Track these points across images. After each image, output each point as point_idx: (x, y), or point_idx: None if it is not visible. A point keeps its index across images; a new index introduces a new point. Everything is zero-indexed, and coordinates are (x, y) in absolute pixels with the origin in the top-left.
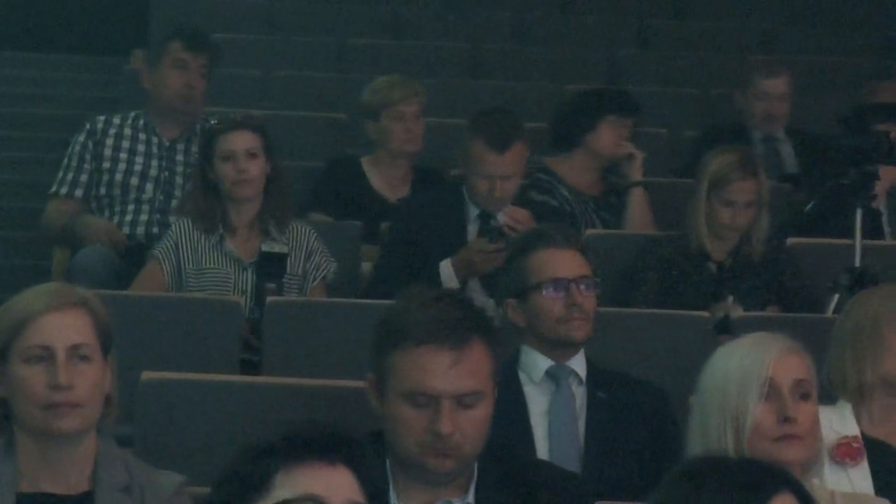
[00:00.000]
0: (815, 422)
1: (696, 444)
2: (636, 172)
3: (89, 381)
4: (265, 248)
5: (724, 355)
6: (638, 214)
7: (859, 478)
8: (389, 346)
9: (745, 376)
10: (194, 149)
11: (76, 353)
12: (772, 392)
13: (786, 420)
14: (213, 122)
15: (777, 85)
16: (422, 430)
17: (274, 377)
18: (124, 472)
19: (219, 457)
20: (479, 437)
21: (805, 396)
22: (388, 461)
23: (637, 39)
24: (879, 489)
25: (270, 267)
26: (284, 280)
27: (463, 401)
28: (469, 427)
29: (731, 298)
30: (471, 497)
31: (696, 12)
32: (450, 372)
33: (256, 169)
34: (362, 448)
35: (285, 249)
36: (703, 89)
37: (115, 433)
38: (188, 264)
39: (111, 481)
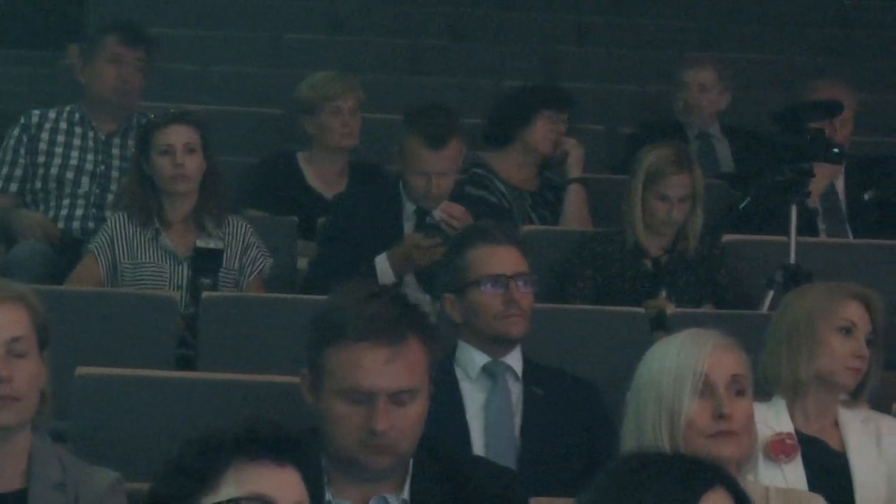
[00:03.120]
0: (750, 418)
1: (630, 440)
2: (574, 168)
3: (26, 376)
4: (199, 243)
5: (659, 351)
6: (575, 210)
7: (793, 474)
8: (325, 343)
9: (679, 372)
10: (130, 143)
11: (13, 348)
12: (706, 388)
13: (721, 416)
14: (150, 115)
15: (697, 75)
16: (357, 427)
17: (210, 372)
18: (58, 468)
19: (154, 452)
20: (415, 434)
21: (740, 393)
22: (323, 457)
23: (574, 36)
24: (813, 485)
25: (205, 262)
26: (220, 275)
27: (398, 398)
28: (404, 424)
29: (663, 294)
30: (406, 493)
31: (633, 9)
32: (385, 369)
33: (194, 164)
34: (309, 449)
35: (220, 245)
36: (640, 86)
37: (49, 429)
38: (124, 258)
39: (45, 478)
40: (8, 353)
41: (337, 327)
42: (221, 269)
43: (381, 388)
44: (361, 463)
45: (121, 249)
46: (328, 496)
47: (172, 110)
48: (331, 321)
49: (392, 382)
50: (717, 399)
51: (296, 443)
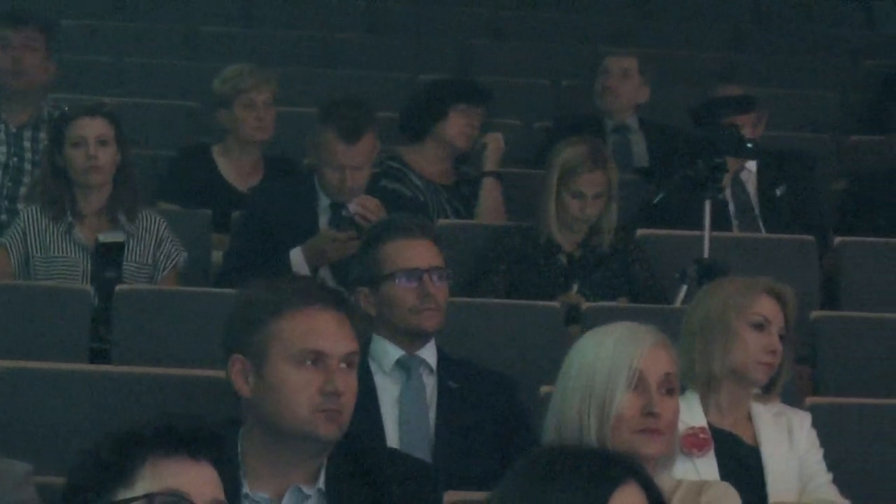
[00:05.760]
0: (677, 416)
1: (552, 429)
2: (489, 162)
3: None
4: (101, 238)
5: (593, 342)
6: (490, 204)
7: (706, 468)
8: (265, 318)
9: (615, 365)
10: (42, 135)
11: None
12: (639, 384)
13: (650, 414)
14: (63, 107)
15: (620, 62)
16: (315, 391)
17: (123, 366)
18: None
19: (67, 446)
20: (352, 406)
21: (670, 391)
22: (240, 448)
23: (490, 30)
24: (726, 479)
25: (107, 256)
26: (127, 267)
27: (348, 361)
28: (350, 391)
29: (574, 288)
30: (321, 484)
31: (548, 3)
32: (337, 332)
33: (107, 156)
34: (225, 443)
35: (121, 238)
36: (555, 80)
37: None
38: (36, 252)
39: None
40: None
41: (278, 299)
42: (134, 263)
43: (335, 350)
44: (314, 433)
45: (33, 243)
46: (245, 488)
47: (86, 102)
48: (266, 298)
49: (343, 346)
50: (648, 396)
51: (212, 438)
